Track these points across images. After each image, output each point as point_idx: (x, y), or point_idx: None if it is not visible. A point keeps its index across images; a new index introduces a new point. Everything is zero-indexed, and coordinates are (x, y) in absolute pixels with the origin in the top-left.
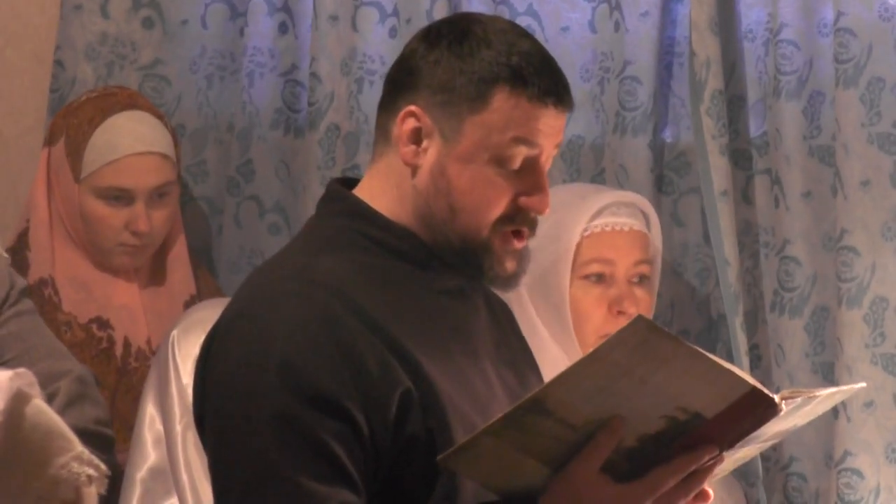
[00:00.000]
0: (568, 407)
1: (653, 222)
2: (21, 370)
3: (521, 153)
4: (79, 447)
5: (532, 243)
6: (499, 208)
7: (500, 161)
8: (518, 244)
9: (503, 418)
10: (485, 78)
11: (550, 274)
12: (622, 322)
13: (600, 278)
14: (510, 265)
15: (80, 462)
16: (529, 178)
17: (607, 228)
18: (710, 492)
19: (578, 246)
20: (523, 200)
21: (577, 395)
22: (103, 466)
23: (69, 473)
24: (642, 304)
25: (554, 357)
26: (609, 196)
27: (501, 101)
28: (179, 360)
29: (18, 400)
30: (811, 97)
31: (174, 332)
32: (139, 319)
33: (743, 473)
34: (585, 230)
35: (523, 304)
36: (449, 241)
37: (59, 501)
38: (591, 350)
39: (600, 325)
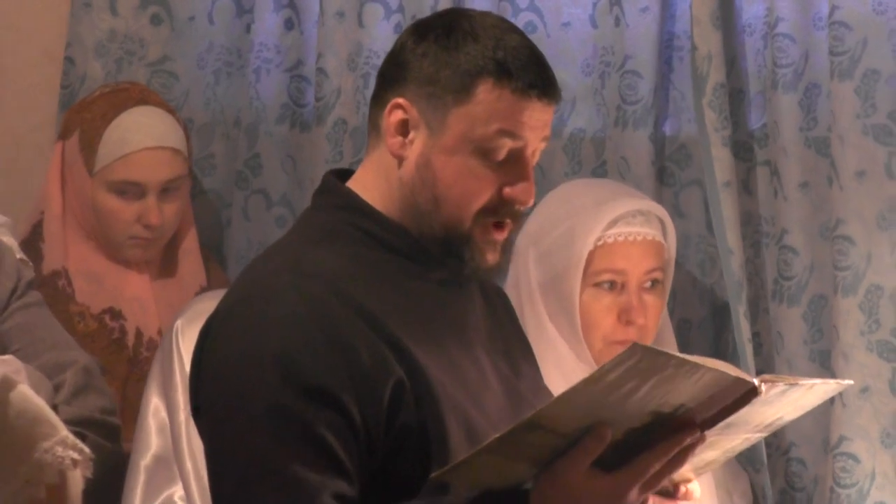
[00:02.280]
0: (559, 420)
1: (668, 229)
2: (6, 357)
3: (505, 145)
4: (63, 431)
5: (546, 246)
6: (482, 199)
7: (484, 153)
8: (498, 235)
9: (499, 439)
10: (469, 70)
11: (562, 279)
12: (630, 331)
13: (612, 286)
14: (491, 257)
15: (64, 446)
16: (514, 170)
17: (620, 239)
18: (698, 489)
19: (591, 255)
20: (507, 191)
21: (569, 411)
22: (87, 450)
23: (54, 457)
24: (651, 310)
25: (560, 355)
26: (624, 205)
27: (485, 93)
28: (184, 350)
29: (3, 387)
30: (807, 90)
31: (178, 323)
32: (150, 310)
33: (749, 460)
34: (599, 240)
35: (535, 303)
36: (433, 231)
37: (45, 485)
38: (585, 377)
39: (609, 332)
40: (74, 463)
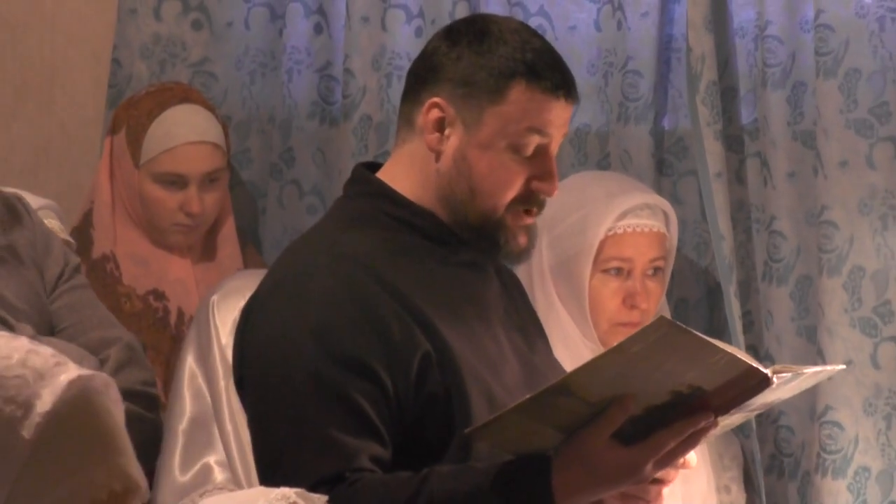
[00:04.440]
0: (588, 388)
1: (671, 221)
2: (100, 374)
3: (534, 141)
4: (117, 458)
5: (559, 232)
6: (514, 191)
7: (515, 148)
8: (529, 220)
9: (530, 399)
10: (503, 73)
11: (573, 263)
12: (634, 314)
13: (619, 272)
14: (522, 240)
15: (108, 475)
16: (540, 164)
17: (629, 230)
18: (694, 458)
19: (602, 243)
20: (535, 184)
21: (597, 379)
22: (139, 480)
23: (87, 487)
24: (653, 295)
25: (568, 334)
26: (634, 199)
27: (518, 94)
28: (220, 322)
29: (78, 400)
30: (794, 87)
31: (213, 298)
32: (192, 292)
33: (739, 427)
34: (610, 230)
35: (546, 284)
36: (467, 219)
37: None
38: (615, 344)
39: (614, 314)
40: (113, 495)
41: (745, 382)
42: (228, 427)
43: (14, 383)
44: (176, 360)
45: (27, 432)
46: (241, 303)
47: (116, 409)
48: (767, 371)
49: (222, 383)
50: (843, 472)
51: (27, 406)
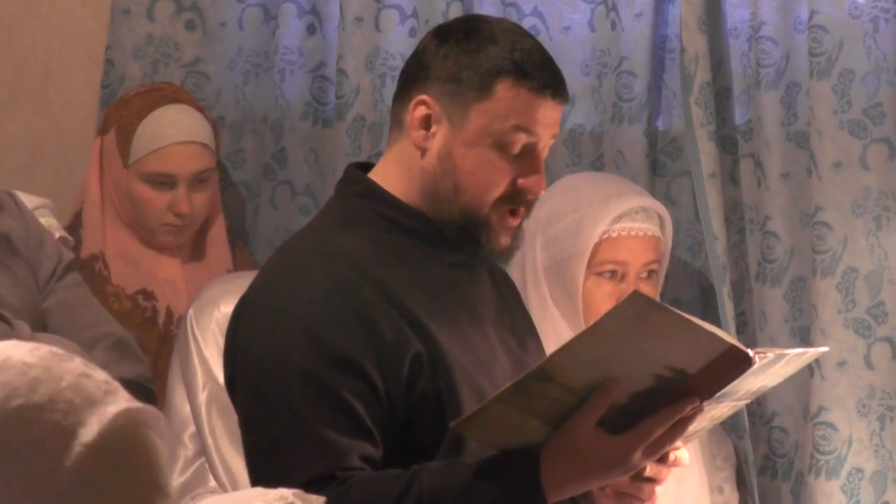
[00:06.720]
0: (569, 373)
1: (666, 224)
2: (150, 407)
3: (520, 140)
4: (156, 498)
5: (553, 234)
6: (499, 189)
7: (501, 146)
8: (513, 221)
9: (511, 387)
10: (490, 70)
11: (567, 265)
12: None
13: (613, 275)
14: (505, 240)
15: None
16: (527, 163)
17: (623, 233)
18: (686, 456)
19: (596, 246)
20: (521, 182)
21: (577, 363)
22: None
23: None
24: None
25: (561, 334)
26: (629, 202)
27: (504, 91)
28: (199, 335)
29: (119, 435)
30: (788, 88)
31: (190, 312)
32: (181, 291)
33: (732, 427)
34: (605, 233)
35: (539, 286)
36: (452, 217)
37: None
38: (591, 324)
39: None
40: None
41: (728, 363)
42: (210, 441)
43: (62, 407)
44: (164, 360)
45: (68, 460)
46: (216, 312)
47: (162, 445)
48: (749, 351)
49: (202, 397)
50: (837, 472)
51: (71, 433)
